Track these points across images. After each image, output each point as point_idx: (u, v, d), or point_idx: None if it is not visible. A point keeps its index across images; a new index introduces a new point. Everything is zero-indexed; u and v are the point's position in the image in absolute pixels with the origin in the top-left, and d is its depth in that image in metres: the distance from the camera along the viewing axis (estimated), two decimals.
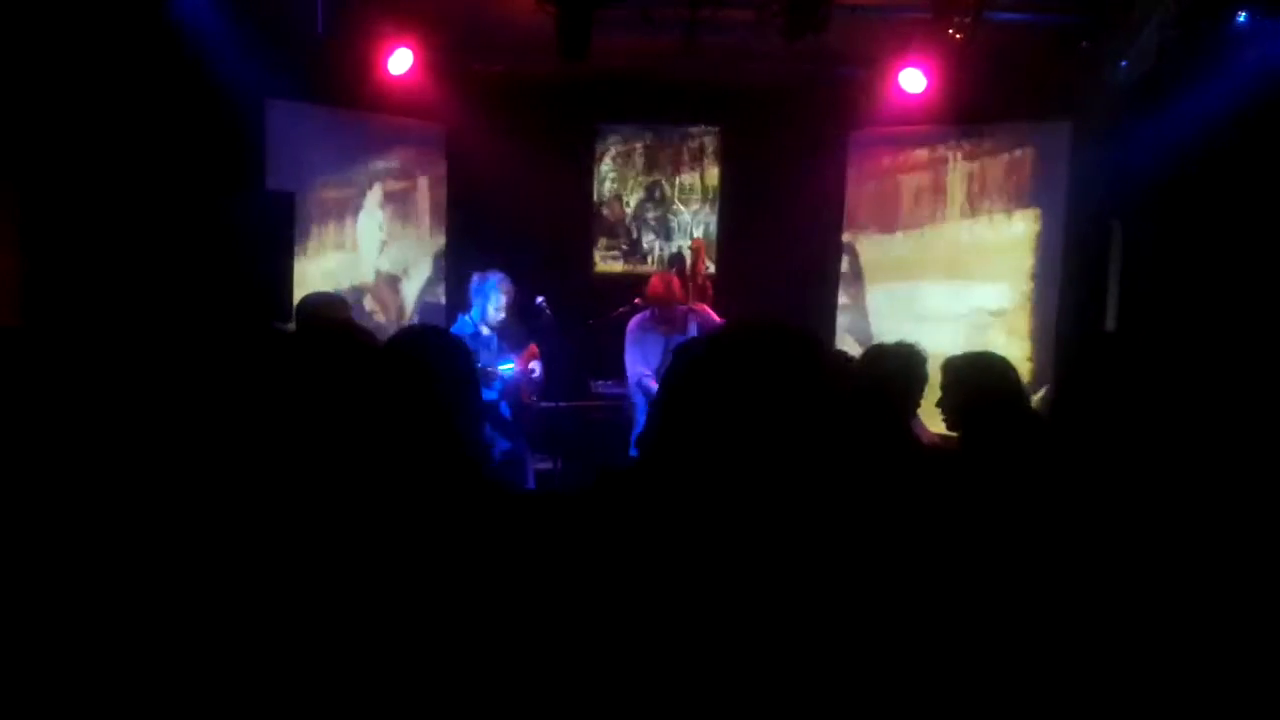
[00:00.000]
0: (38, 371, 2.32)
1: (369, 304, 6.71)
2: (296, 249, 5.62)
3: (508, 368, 5.40)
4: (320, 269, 6.29)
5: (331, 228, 6.45)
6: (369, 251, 6.74)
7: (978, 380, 3.05)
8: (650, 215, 7.61)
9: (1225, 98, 4.94)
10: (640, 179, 7.59)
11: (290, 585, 1.76)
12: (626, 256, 7.63)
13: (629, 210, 7.62)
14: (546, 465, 6.00)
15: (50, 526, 1.88)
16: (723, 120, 7.42)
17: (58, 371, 2.39)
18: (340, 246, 6.53)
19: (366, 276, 6.74)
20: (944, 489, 2.28)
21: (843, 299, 7.10)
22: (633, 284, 6.78)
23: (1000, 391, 3.04)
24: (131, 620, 1.73)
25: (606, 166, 7.58)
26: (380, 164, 6.66)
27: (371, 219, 6.72)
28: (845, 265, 7.08)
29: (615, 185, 7.60)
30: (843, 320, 7.08)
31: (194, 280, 4.91)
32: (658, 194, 7.60)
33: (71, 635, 1.72)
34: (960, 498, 2.25)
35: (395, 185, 6.79)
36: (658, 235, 7.62)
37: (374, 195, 6.69)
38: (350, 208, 6.56)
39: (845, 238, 7.05)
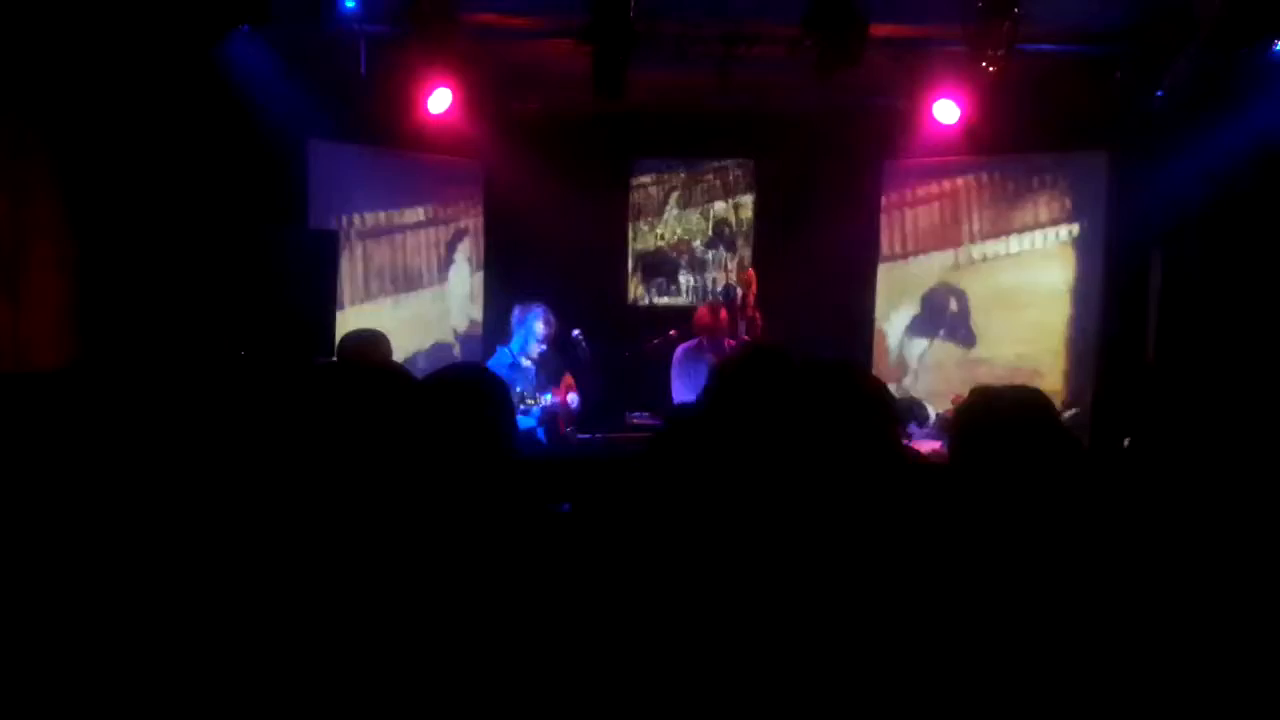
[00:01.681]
0: (83, 411, 2.39)
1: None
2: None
3: (545, 398, 5.46)
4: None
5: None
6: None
7: (1005, 413, 3.02)
8: (685, 247, 7.67)
9: (1261, 126, 4.92)
10: (675, 212, 7.65)
11: (339, 608, 1.81)
12: (662, 288, 7.69)
13: (664, 242, 7.68)
14: None
15: (95, 561, 1.94)
16: (757, 152, 7.47)
17: (103, 408, 2.45)
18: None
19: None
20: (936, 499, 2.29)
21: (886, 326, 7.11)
22: (668, 316, 6.83)
23: (1025, 425, 3.00)
24: (183, 653, 1.78)
25: (641, 199, 7.65)
26: (428, 204, 6.81)
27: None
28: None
29: (651, 218, 7.67)
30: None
31: (239, 315, 5.02)
32: (693, 226, 7.66)
33: (123, 674, 1.77)
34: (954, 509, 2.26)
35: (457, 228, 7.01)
36: (692, 267, 7.67)
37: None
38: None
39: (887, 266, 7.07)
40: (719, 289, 7.28)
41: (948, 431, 3.31)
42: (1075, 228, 6.41)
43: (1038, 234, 6.55)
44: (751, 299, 5.98)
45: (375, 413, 2.39)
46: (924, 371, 6.89)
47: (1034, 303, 6.55)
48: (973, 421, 3.01)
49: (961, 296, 6.82)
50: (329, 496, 2.07)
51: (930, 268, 6.90)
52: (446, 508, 1.97)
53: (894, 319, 7.04)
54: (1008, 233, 6.65)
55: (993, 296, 6.69)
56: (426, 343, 6.77)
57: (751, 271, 6.50)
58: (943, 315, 6.89)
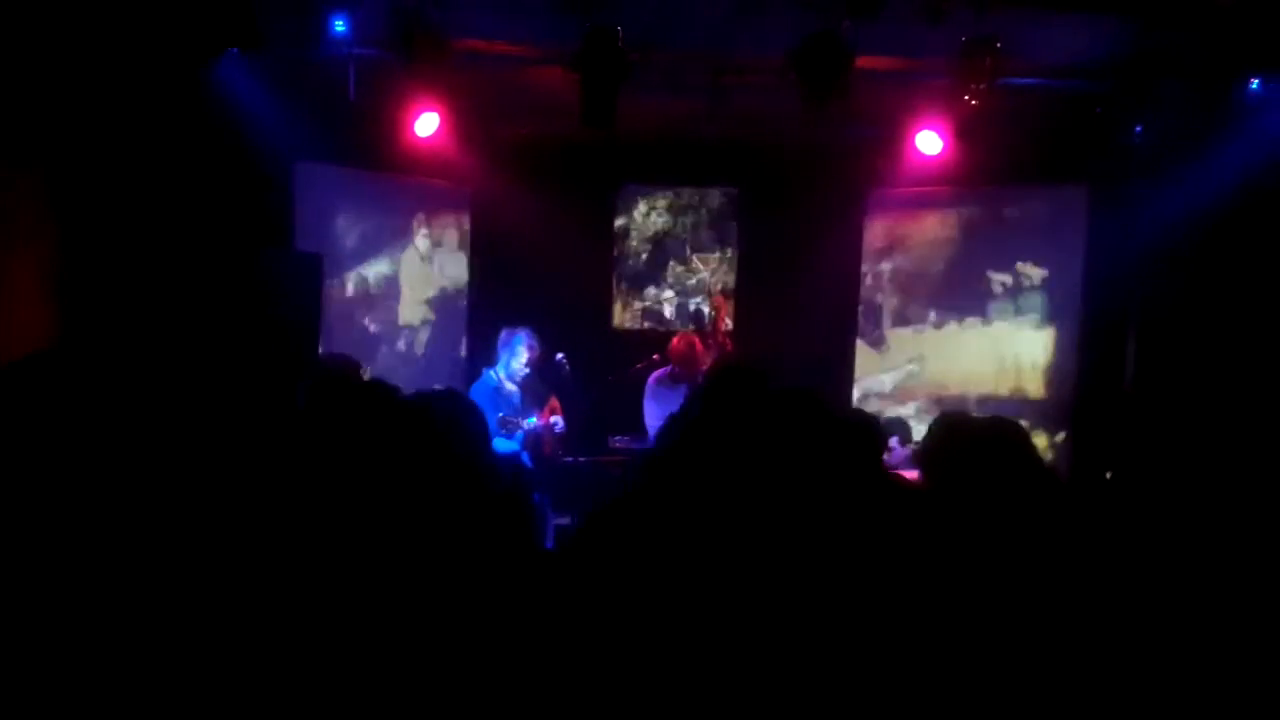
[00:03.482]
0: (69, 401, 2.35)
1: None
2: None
3: (530, 421, 5.47)
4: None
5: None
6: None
7: (977, 442, 3.04)
8: (670, 273, 7.71)
9: (1239, 162, 5.02)
10: (661, 237, 7.69)
11: (319, 620, 1.82)
12: (646, 313, 7.71)
13: (649, 268, 7.71)
14: (565, 521, 6.03)
15: (72, 565, 1.93)
16: (743, 180, 7.53)
17: (89, 409, 2.41)
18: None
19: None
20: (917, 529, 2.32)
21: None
22: (652, 340, 6.86)
23: (999, 457, 3.02)
24: (162, 663, 1.78)
25: (627, 224, 7.69)
26: (409, 225, 6.81)
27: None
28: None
29: (636, 243, 7.70)
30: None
31: (223, 336, 5.00)
32: (678, 252, 7.70)
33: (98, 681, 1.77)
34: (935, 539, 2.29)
35: (427, 246, 6.98)
36: (677, 293, 7.70)
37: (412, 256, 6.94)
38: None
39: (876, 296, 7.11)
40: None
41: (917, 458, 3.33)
42: (1056, 258, 6.49)
43: (1019, 264, 6.63)
44: (721, 324, 6.02)
45: (352, 435, 2.41)
46: None
47: (1014, 332, 6.63)
48: (938, 447, 3.04)
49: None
50: (300, 515, 2.09)
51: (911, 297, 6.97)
52: (414, 531, 1.97)
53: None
54: (989, 262, 6.73)
55: (972, 325, 6.77)
56: None
57: (721, 298, 6.56)
58: None
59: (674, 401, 5.53)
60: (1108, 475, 3.67)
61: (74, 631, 1.83)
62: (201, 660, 1.81)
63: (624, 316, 7.70)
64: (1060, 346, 6.45)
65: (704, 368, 5.59)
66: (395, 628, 1.82)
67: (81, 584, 1.89)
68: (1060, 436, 6.40)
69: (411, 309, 6.95)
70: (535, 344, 5.54)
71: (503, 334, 5.62)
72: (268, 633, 1.83)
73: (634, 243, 7.70)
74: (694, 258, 7.69)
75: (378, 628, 1.82)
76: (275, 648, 1.81)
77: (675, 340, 5.80)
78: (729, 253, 7.65)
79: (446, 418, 2.18)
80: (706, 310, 6.38)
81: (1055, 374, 6.48)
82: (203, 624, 1.85)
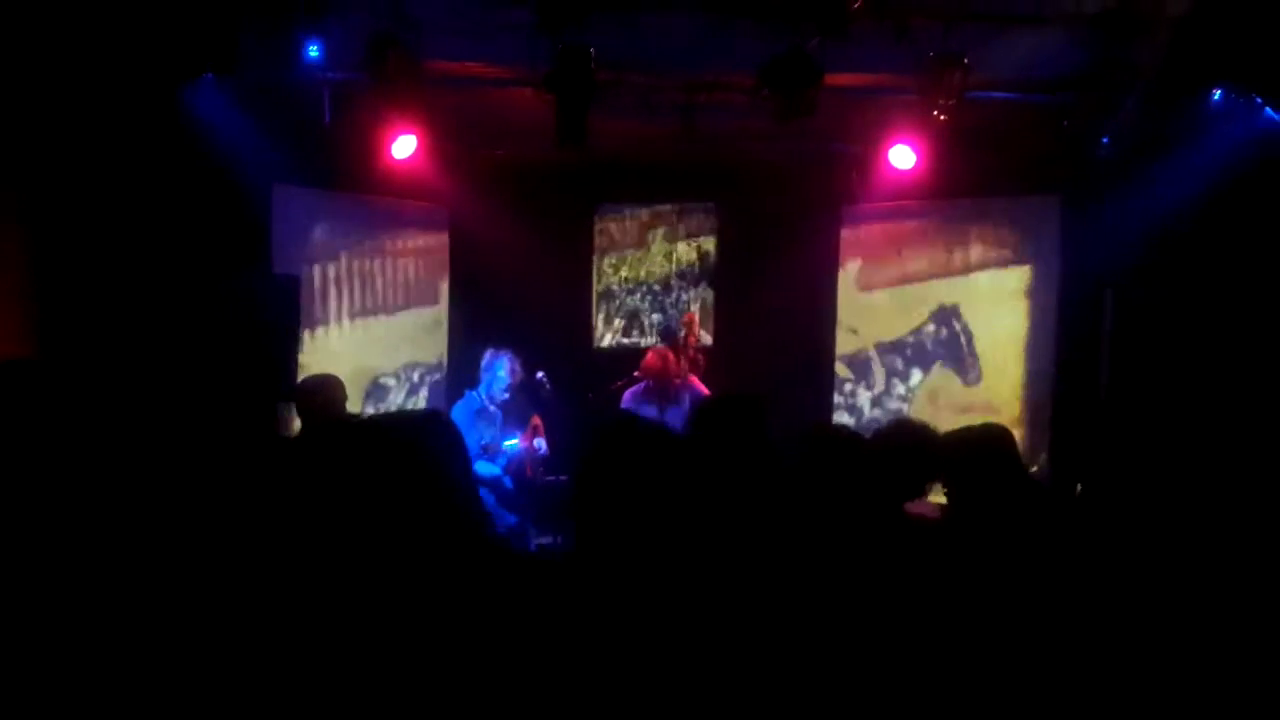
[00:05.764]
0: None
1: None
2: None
3: (512, 443, 5.48)
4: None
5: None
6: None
7: (972, 452, 3.08)
8: (648, 289, 7.74)
9: (1204, 171, 5.09)
10: (639, 255, 7.74)
11: (294, 644, 1.82)
12: (626, 330, 7.75)
13: (628, 285, 7.75)
14: (547, 540, 6.02)
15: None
16: (718, 197, 7.59)
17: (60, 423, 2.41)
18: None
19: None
20: (924, 558, 2.34)
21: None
22: (632, 357, 6.88)
23: (994, 462, 3.06)
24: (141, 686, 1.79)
25: (605, 243, 7.73)
26: (386, 246, 6.84)
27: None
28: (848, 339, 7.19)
29: (615, 261, 7.74)
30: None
31: (201, 357, 5.01)
32: (656, 269, 7.74)
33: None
34: (941, 566, 2.30)
35: (406, 267, 6.99)
36: (656, 310, 7.74)
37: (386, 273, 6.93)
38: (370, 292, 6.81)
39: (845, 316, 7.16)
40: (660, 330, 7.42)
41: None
42: (1029, 270, 6.55)
43: (993, 275, 6.69)
44: (692, 340, 6.07)
45: (323, 465, 2.42)
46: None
47: (989, 343, 6.68)
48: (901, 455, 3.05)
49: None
50: (271, 533, 2.10)
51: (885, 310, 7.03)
52: (387, 555, 1.97)
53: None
54: (964, 273, 6.78)
55: (948, 337, 6.82)
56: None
57: (691, 314, 6.62)
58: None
59: (651, 417, 5.56)
60: (1078, 487, 3.70)
61: (49, 643, 1.84)
62: (175, 670, 1.82)
63: (604, 334, 7.73)
64: (1036, 355, 6.49)
65: (677, 381, 5.65)
66: (362, 651, 1.83)
67: (51, 595, 1.90)
68: (1037, 448, 6.43)
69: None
70: (518, 368, 5.57)
71: (485, 356, 5.64)
72: (242, 645, 1.84)
73: (613, 260, 7.73)
74: (671, 273, 7.73)
75: (343, 651, 1.83)
76: (251, 661, 1.82)
77: (649, 355, 5.85)
78: (707, 268, 7.69)
79: (422, 438, 2.18)
80: (678, 328, 6.43)
81: (1032, 383, 6.52)
82: (174, 635, 1.86)
